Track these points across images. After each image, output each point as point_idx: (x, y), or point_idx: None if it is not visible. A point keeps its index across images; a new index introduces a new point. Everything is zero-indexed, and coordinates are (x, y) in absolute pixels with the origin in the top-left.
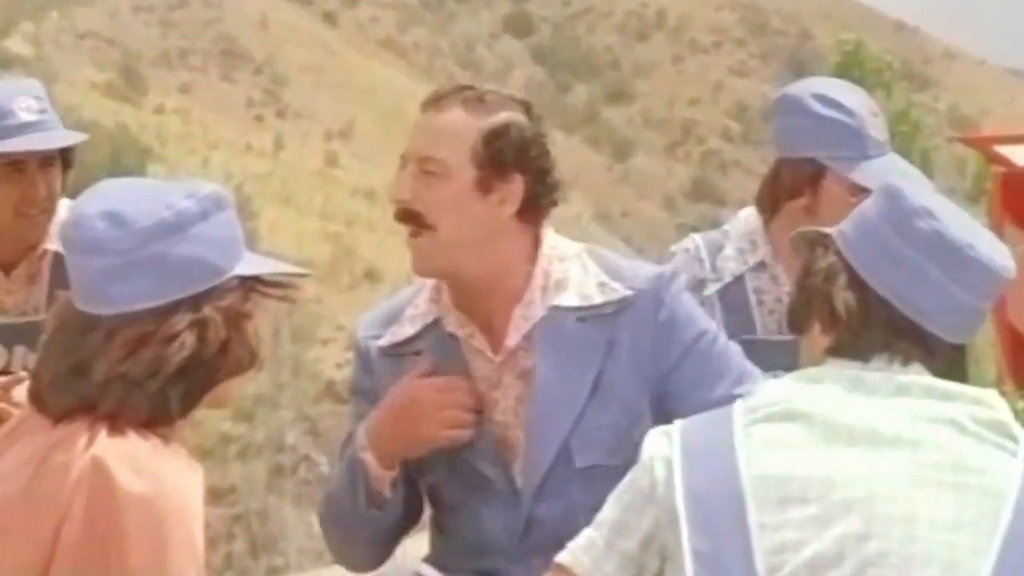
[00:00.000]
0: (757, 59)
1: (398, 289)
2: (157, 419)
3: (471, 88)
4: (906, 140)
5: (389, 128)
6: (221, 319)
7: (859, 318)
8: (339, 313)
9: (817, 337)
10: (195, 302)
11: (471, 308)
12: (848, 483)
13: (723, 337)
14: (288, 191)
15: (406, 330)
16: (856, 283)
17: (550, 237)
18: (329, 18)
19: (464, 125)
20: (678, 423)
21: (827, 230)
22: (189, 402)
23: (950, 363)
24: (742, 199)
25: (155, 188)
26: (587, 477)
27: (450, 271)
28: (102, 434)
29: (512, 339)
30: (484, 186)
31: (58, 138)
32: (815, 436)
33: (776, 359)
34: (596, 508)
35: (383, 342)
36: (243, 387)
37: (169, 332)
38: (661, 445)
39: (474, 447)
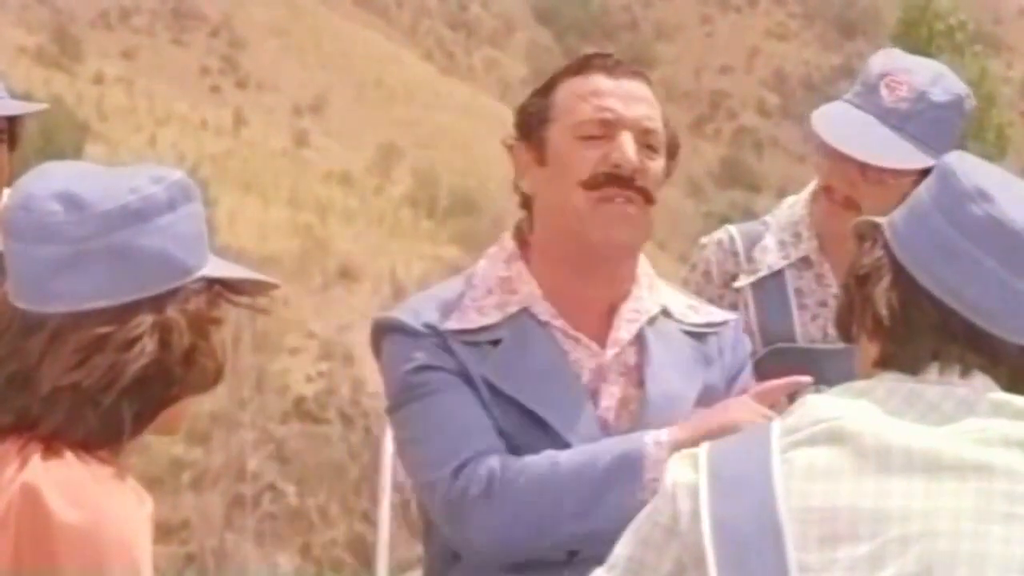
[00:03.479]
0: (799, 20)
1: (379, 290)
2: (104, 440)
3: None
4: (979, 116)
5: (367, 101)
6: (186, 324)
7: (906, 321)
8: (309, 318)
9: (866, 347)
10: (157, 303)
11: (569, 299)
12: (904, 517)
13: None
14: (250, 175)
15: (472, 318)
16: (903, 280)
17: None
18: None
19: (657, 103)
20: (706, 444)
21: (878, 220)
22: (141, 421)
23: (1022, 373)
24: (780, 184)
25: (114, 171)
26: None
27: (638, 250)
28: (35, 457)
29: (625, 331)
30: (669, 168)
31: (16, 106)
32: (865, 462)
33: (818, 371)
34: None
35: (451, 326)
36: (198, 405)
37: (128, 336)
38: (685, 471)
39: (580, 436)
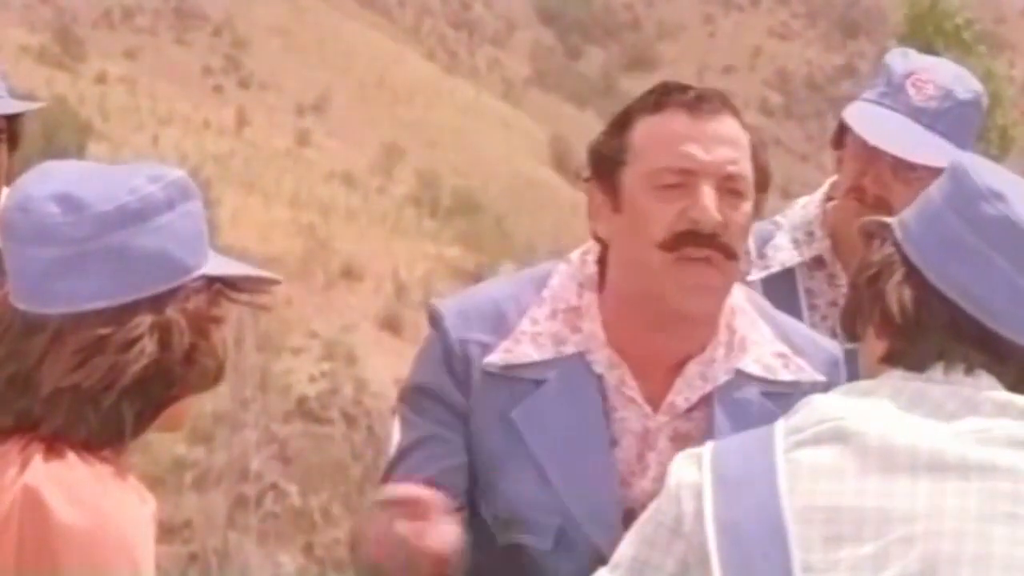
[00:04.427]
0: (802, 19)
1: (381, 290)
2: (106, 440)
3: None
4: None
5: (369, 101)
6: (186, 323)
7: (916, 319)
8: (312, 318)
9: (872, 343)
10: (156, 303)
11: (637, 348)
12: (908, 518)
13: None
14: (253, 175)
15: (526, 351)
16: (914, 279)
17: None
18: None
19: (744, 136)
20: (710, 444)
21: (887, 219)
22: (143, 421)
23: None
24: (783, 184)
25: (113, 171)
26: None
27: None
28: (37, 458)
29: (682, 397)
30: (757, 209)
31: (15, 104)
32: (869, 462)
33: None
34: None
35: (495, 360)
36: (200, 404)
37: (128, 337)
38: (690, 471)
39: (603, 518)
